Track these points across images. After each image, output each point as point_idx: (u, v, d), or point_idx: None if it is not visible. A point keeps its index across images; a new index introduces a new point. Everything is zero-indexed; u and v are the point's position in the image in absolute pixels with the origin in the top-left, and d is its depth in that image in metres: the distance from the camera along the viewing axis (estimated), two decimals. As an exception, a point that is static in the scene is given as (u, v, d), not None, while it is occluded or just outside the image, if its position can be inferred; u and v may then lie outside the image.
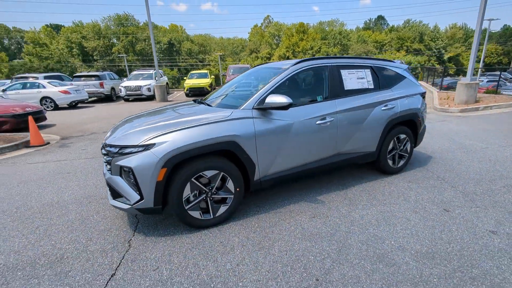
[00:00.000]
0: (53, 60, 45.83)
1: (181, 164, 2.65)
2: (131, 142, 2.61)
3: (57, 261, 2.43)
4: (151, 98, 15.60)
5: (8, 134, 7.67)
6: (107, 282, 2.17)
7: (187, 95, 16.71)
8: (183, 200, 2.69)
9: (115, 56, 43.39)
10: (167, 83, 19.36)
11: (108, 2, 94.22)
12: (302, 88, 3.58)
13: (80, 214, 3.22)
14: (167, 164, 2.54)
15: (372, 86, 3.79)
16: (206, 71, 19.51)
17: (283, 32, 44.20)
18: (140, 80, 15.72)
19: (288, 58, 35.43)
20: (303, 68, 3.37)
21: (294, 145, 3.15)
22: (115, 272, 2.28)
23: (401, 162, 4.15)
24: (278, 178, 3.19)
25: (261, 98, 3.00)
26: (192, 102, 3.84)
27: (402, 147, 4.08)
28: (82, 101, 14.02)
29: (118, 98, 16.75)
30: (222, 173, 2.81)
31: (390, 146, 3.95)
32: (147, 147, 2.55)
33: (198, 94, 16.18)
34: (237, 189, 2.92)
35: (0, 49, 61.02)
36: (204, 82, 16.74)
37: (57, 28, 57.13)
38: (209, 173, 2.75)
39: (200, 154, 2.71)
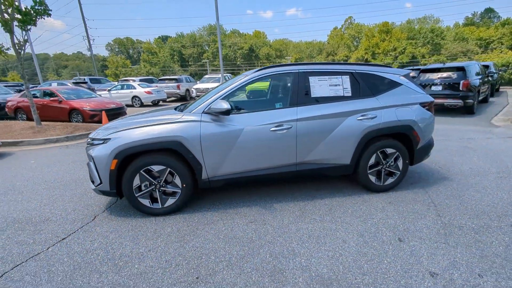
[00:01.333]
0: (160, 65, 54.26)
1: (131, 157, 3.04)
2: (97, 136, 3.13)
3: (41, 222, 3.14)
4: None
5: (94, 124, 9.70)
6: (57, 242, 2.71)
7: (248, 97, 17.44)
8: (134, 188, 3.06)
9: (204, 61, 48.53)
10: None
11: (206, 14, 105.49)
12: (260, 95, 3.52)
13: (80, 193, 3.98)
14: (117, 156, 2.96)
15: (349, 94, 3.42)
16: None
17: (364, 33, 41.02)
18: (209, 83, 17.31)
19: (366, 60, 32.89)
20: (262, 76, 3.33)
21: (245, 149, 3.16)
22: (66, 237, 2.82)
23: (390, 180, 3.59)
24: (230, 180, 3.26)
25: (211, 103, 3.13)
26: (173, 107, 4.08)
27: (390, 163, 3.53)
28: (162, 100, 16.40)
29: (192, 98, 18.82)
30: (169, 169, 3.07)
31: (372, 161, 3.48)
32: (105, 141, 3.03)
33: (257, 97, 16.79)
34: (184, 185, 3.14)
35: (126, 57, 75.61)
36: (264, 85, 17.16)
37: (165, 38, 67.34)
38: (156, 168, 3.05)
39: (149, 150, 3.04)
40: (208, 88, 16.67)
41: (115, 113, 10.72)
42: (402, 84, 3.56)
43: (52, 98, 10.61)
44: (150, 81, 18.54)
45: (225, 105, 2.96)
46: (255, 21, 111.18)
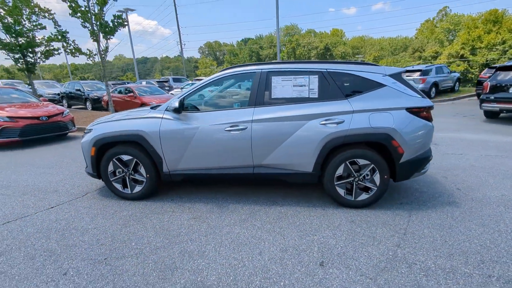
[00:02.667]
0: (239, 66, 57.71)
1: (107, 146, 3.44)
2: (87, 127, 3.66)
3: (50, 192, 3.87)
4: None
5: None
6: (45, 209, 3.32)
7: (217, 97, 17.04)
8: (109, 173, 3.48)
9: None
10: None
11: (285, 14, 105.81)
12: (221, 94, 3.44)
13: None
14: (95, 145, 3.41)
15: (315, 95, 3.04)
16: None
17: (462, 24, 33.88)
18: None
19: (462, 56, 27.45)
20: (224, 76, 3.27)
21: (201, 147, 3.19)
22: (54, 206, 3.41)
23: (363, 196, 3.05)
24: (189, 175, 3.35)
25: (171, 102, 3.26)
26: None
27: (365, 176, 3.00)
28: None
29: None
30: (135, 159, 3.37)
31: (340, 171, 3.02)
32: (89, 131, 3.52)
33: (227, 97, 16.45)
34: (147, 176, 3.39)
35: (213, 58, 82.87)
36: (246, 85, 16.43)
37: (247, 41, 70.91)
38: (125, 157, 3.39)
39: (119, 141, 3.39)
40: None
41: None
42: (385, 85, 2.96)
43: (129, 94, 12.60)
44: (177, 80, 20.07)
45: (176, 104, 3.07)
46: (336, 18, 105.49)
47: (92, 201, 3.54)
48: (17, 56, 13.62)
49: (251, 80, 3.20)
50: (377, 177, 2.97)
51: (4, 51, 13.39)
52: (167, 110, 3.28)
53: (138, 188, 3.47)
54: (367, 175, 2.99)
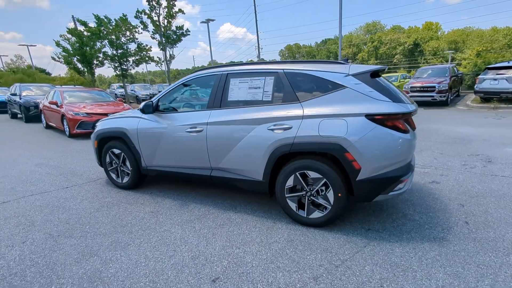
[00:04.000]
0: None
1: (104, 140, 3.94)
2: (97, 123, 4.26)
3: (78, 175, 4.68)
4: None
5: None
6: (63, 188, 4.05)
7: (191, 99, 15.40)
8: (107, 163, 3.98)
9: (358, 63, 45.71)
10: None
11: (364, 11, 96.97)
12: (188, 96, 3.42)
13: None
14: (96, 138, 3.96)
15: (268, 98, 2.76)
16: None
17: None
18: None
19: None
20: (192, 78, 3.29)
21: (168, 147, 3.33)
22: (69, 187, 4.12)
23: (317, 214, 2.61)
24: (161, 172, 3.53)
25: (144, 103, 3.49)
26: None
27: (318, 192, 2.57)
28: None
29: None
30: (122, 153, 3.76)
31: (291, 183, 2.67)
32: (96, 126, 4.10)
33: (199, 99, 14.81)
34: (131, 168, 3.73)
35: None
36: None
37: (326, 42, 68.49)
38: (116, 151, 3.82)
39: (112, 137, 3.83)
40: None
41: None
42: (345, 87, 2.46)
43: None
44: None
45: (141, 106, 3.29)
46: (433, 8, 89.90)
47: (94, 186, 4.11)
48: (116, 64, 16.77)
49: (211, 83, 3.15)
50: (330, 194, 2.51)
51: (107, 61, 16.66)
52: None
53: (126, 179, 3.86)
54: (322, 190, 2.56)
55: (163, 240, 2.59)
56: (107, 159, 3.94)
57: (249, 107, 2.85)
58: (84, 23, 15.81)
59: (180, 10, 12.66)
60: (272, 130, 2.63)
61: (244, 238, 2.56)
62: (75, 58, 17.38)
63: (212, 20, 27.26)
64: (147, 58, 12.56)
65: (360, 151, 2.31)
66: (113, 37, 15.76)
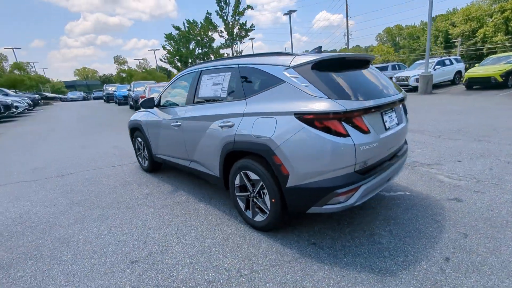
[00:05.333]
0: (420, 50, 47.99)
1: (133, 129, 4.63)
2: None
3: (127, 157, 5.68)
4: (416, 89, 13.28)
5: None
6: (110, 167, 5.03)
7: (466, 87, 12.02)
8: (136, 149, 4.71)
9: (478, 40, 35.94)
10: (458, 72, 14.57)
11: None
12: (179, 92, 3.55)
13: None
14: (128, 127, 4.70)
15: (224, 95, 2.67)
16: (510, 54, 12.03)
17: None
18: (416, 70, 13.81)
19: None
20: (183, 75, 3.45)
21: (163, 138, 3.69)
22: (114, 166, 5.07)
23: (259, 217, 2.43)
24: (163, 160, 3.95)
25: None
26: None
27: (260, 194, 2.38)
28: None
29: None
30: (142, 142, 4.37)
31: (237, 182, 2.56)
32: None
33: (482, 87, 11.33)
34: (148, 155, 4.30)
35: (392, 44, 73.17)
36: (495, 69, 10.85)
37: (434, 19, 56.79)
38: (139, 139, 4.46)
39: (135, 127, 4.47)
40: (409, 76, 13.61)
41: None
42: (284, 81, 2.15)
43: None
44: None
45: (140, 101, 3.69)
46: None
47: (130, 167, 4.91)
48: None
49: (192, 79, 3.26)
50: (267, 198, 2.30)
51: (198, 60, 18.82)
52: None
53: (146, 163, 4.48)
54: (263, 193, 2.37)
55: (132, 219, 2.95)
56: (136, 146, 4.66)
57: (211, 103, 2.85)
58: (178, 28, 18.30)
59: (249, 7, 13.09)
60: (221, 127, 2.58)
61: (189, 229, 2.66)
62: (176, 59, 20.39)
63: (294, 11, 26.77)
64: (216, 55, 13.67)
65: (286, 154, 2.02)
66: (199, 38, 17.64)
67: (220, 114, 2.62)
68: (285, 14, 26.50)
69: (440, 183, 3.18)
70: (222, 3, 12.55)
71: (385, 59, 47.43)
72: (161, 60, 22.31)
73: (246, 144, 2.32)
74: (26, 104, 20.96)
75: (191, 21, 18.15)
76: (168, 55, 21.06)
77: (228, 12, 12.57)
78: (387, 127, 2.23)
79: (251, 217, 2.53)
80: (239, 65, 2.60)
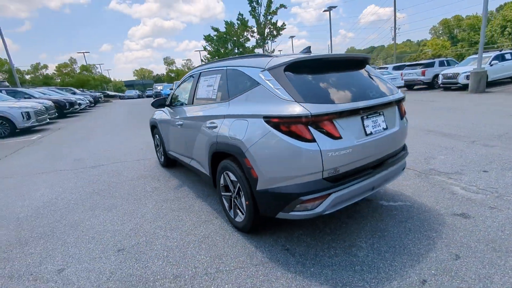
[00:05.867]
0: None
1: (152, 128, 4.94)
2: None
3: (152, 150, 6.09)
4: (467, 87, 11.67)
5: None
6: (136, 160, 5.47)
7: None
8: (155, 145, 5.03)
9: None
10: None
11: None
12: (184, 92, 3.65)
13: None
14: (149, 124, 5.04)
15: (214, 96, 2.71)
16: None
17: None
18: (468, 66, 12.14)
19: None
20: (187, 76, 3.58)
21: (171, 136, 3.89)
22: (139, 160, 5.49)
23: (238, 218, 2.43)
24: (174, 157, 4.16)
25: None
26: None
27: (238, 195, 2.38)
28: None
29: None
30: (159, 138, 4.65)
31: (222, 181, 2.58)
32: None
33: None
34: (163, 151, 4.58)
35: (448, 38, 65.79)
36: None
37: (501, 7, 49.22)
38: (157, 137, 4.75)
39: (153, 125, 4.77)
40: (458, 73, 12.10)
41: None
42: (259, 84, 2.10)
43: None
44: (398, 68, 16.58)
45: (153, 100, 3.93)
46: None
47: (151, 162, 5.27)
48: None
49: (194, 81, 3.36)
50: (243, 202, 2.29)
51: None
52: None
53: (163, 159, 4.76)
54: (241, 195, 2.37)
55: (134, 210, 3.18)
56: (155, 142, 4.98)
57: (204, 104, 2.92)
58: (216, 29, 18.89)
59: (282, 5, 12.91)
60: (208, 128, 2.64)
61: (178, 224, 2.77)
62: (215, 59, 21.14)
63: (334, 7, 25.65)
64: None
65: (254, 157, 1.99)
66: (235, 38, 17.99)
67: (208, 115, 2.68)
68: (325, 11, 25.61)
69: (451, 195, 2.81)
70: (254, 3, 12.66)
71: (436, 54, 42.63)
72: (201, 60, 23.28)
73: (225, 146, 2.34)
74: (88, 102, 23.70)
75: (229, 22, 18.60)
76: (208, 55, 21.91)
77: (260, 12, 12.64)
78: (369, 132, 2.05)
79: (233, 216, 2.55)
80: (227, 67, 2.62)
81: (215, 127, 2.50)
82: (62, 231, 2.81)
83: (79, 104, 19.30)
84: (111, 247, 2.46)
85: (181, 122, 3.38)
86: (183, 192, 3.62)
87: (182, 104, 3.63)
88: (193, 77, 3.42)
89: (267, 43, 12.39)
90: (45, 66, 59.60)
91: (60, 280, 2.06)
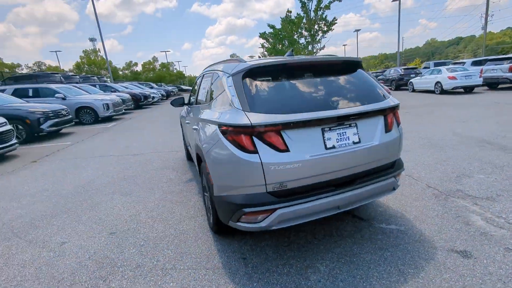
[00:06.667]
0: None
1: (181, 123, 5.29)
2: None
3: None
4: None
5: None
6: (165, 153, 5.98)
7: None
8: (183, 138, 5.39)
9: None
10: None
11: None
12: (194, 92, 3.72)
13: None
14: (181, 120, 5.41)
15: (204, 98, 2.74)
16: None
17: None
18: None
19: None
20: (198, 77, 3.67)
21: (185, 132, 4.10)
22: (169, 152, 5.97)
23: (210, 218, 2.44)
24: (189, 152, 4.39)
25: None
26: None
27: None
28: (470, 88, 12.03)
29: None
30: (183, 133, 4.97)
31: (204, 182, 2.62)
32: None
33: None
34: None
35: None
36: None
37: None
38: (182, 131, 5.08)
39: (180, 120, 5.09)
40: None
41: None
42: (224, 90, 2.03)
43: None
44: (479, 63, 13.61)
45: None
46: None
47: (178, 154, 5.67)
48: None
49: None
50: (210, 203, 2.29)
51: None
52: (188, 104, 4.45)
53: (185, 152, 5.08)
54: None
55: (142, 199, 3.50)
56: (182, 136, 5.33)
57: (200, 105, 2.98)
58: (272, 26, 18.81)
59: (336, -2, 12.00)
60: (194, 130, 2.70)
61: (167, 217, 2.93)
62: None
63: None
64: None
65: (209, 164, 1.97)
66: (291, 35, 17.60)
67: (197, 117, 2.74)
68: (393, 0, 22.79)
69: (463, 225, 2.25)
70: (305, -1, 12.18)
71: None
72: (259, 57, 23.61)
73: (198, 149, 2.37)
74: (160, 95, 26.68)
75: (284, 19, 18.28)
76: (266, 52, 22.05)
77: (311, 8, 11.94)
78: (330, 146, 1.79)
79: (208, 217, 2.58)
80: (214, 71, 2.62)
81: (197, 129, 2.55)
82: (82, 210, 3.29)
83: (153, 97, 21.83)
84: (107, 229, 2.78)
85: (188, 121, 3.53)
86: (188, 186, 3.80)
87: (190, 104, 3.79)
88: (198, 78, 3.52)
89: (317, 39, 11.74)
90: (136, 64, 69.29)
91: (58, 251, 2.43)
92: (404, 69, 18.20)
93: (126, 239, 2.56)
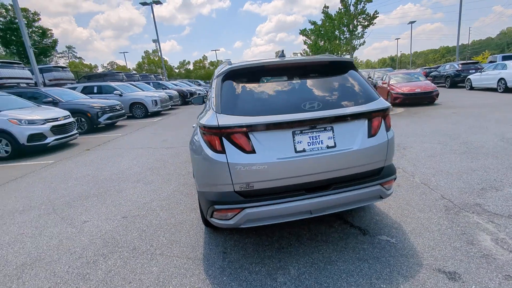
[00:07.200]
0: None
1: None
2: None
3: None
4: None
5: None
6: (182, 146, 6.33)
7: None
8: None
9: None
10: None
11: None
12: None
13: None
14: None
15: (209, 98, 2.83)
16: None
17: None
18: None
19: None
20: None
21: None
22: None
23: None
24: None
25: None
26: None
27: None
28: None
29: None
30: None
31: (201, 178, 2.75)
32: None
33: None
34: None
35: None
36: None
37: None
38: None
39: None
40: None
41: (418, 97, 9.99)
42: (213, 91, 2.10)
43: (383, 82, 12.10)
44: None
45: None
46: None
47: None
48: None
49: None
50: (199, 198, 2.40)
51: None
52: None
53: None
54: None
55: (159, 188, 3.80)
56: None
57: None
58: (313, 23, 18.20)
59: (380, -11, 10.89)
60: (193, 127, 2.83)
61: (175, 207, 3.15)
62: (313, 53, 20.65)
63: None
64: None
65: (191, 160, 2.07)
66: (332, 31, 16.85)
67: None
68: (455, -14, 20.01)
69: (465, 244, 1.95)
70: (344, -7, 11.30)
71: None
72: (300, 54, 23.13)
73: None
74: (205, 92, 28.15)
75: (326, 15, 17.51)
76: (307, 49, 21.52)
77: (350, 2, 11.02)
78: (300, 149, 1.73)
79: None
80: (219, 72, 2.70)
81: (194, 127, 2.68)
82: (109, 194, 3.73)
83: (198, 94, 23.14)
84: (122, 213, 3.11)
85: (200, 119, 3.71)
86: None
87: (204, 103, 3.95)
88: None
89: (359, 34, 10.92)
90: (188, 62, 73.92)
91: (79, 228, 2.83)
92: (461, 64, 15.94)
93: (133, 223, 2.84)
